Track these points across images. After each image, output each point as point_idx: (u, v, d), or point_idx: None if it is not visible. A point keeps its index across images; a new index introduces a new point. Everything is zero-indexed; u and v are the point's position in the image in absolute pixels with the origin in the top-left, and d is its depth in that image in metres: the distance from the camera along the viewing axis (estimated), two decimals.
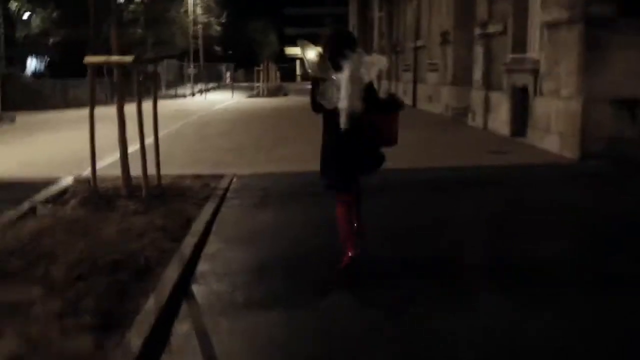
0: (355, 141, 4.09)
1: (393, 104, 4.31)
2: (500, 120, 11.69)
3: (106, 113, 7.93)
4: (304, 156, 8.42)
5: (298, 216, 5.92)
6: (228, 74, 53.29)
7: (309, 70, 4.24)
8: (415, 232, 5.28)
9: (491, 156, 9.22)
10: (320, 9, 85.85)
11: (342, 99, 3.98)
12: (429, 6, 18.17)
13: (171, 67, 47.70)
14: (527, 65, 10.42)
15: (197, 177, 7.79)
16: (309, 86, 4.34)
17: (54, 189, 7.01)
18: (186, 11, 48.70)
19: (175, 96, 33.80)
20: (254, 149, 10.52)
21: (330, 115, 4.10)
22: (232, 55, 62.40)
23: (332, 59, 4.10)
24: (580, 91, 8.55)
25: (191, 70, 49.21)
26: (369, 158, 4.24)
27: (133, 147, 6.62)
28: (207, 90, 40.35)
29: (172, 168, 7.91)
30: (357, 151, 4.14)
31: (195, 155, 9.79)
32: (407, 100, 20.39)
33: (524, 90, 10.62)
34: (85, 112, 6.42)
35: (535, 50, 10.57)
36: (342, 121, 4.00)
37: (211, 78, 49.78)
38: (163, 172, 6.98)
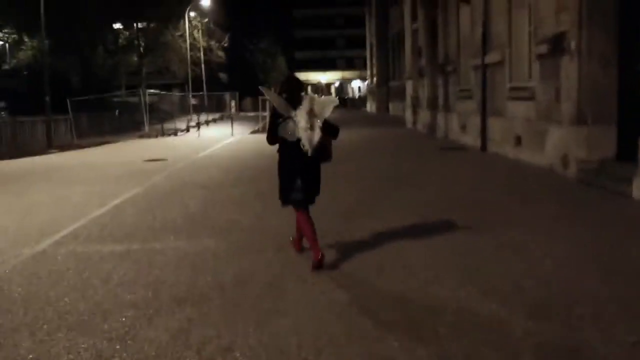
0: (313, 164, 5.14)
1: (332, 129, 5.13)
2: None
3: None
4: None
5: None
6: (233, 104, 48.20)
7: (278, 109, 5.02)
8: None
9: None
10: (331, 31, 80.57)
11: (303, 131, 4.89)
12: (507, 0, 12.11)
13: (169, 97, 42.27)
14: None
15: None
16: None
17: None
18: (182, 35, 43.01)
19: (163, 134, 27.77)
20: (224, 298, 4.38)
21: (290, 145, 5.00)
22: (238, 83, 57.10)
23: (288, 99, 5.00)
24: None
25: (190, 100, 43.73)
26: (318, 178, 5.26)
27: None
28: (208, 122, 34.56)
29: None
30: (313, 173, 5.19)
31: (64, 341, 3.66)
32: (471, 141, 14.21)
33: None
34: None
35: None
36: (309, 150, 4.93)
37: (215, 108, 44.37)
38: None
